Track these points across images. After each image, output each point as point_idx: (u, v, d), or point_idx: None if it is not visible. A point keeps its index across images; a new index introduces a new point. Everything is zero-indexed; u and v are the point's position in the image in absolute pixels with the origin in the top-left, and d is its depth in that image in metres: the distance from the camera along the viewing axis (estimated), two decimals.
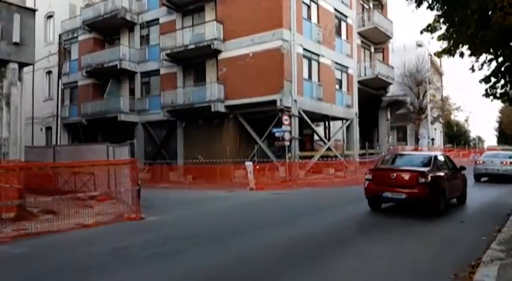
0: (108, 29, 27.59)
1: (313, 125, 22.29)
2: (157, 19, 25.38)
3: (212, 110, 21.06)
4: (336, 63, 24.39)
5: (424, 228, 8.19)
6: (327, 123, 23.95)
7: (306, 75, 21.87)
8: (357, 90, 26.55)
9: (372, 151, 27.25)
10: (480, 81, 9.82)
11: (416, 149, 37.14)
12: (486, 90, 10.09)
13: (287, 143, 19.22)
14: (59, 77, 25.26)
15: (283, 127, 19.13)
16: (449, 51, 9.58)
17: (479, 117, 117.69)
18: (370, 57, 28.66)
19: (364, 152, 25.37)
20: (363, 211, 10.12)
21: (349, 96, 25.81)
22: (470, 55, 9.64)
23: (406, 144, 43.16)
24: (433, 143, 42.25)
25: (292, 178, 18.98)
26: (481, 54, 9.57)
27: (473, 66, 9.77)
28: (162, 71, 25.02)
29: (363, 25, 27.44)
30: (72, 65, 29.21)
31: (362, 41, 27.89)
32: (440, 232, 7.85)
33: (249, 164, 17.69)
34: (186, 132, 24.00)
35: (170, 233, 8.25)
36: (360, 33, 27.22)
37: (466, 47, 9.58)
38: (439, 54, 9.91)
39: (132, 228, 9.18)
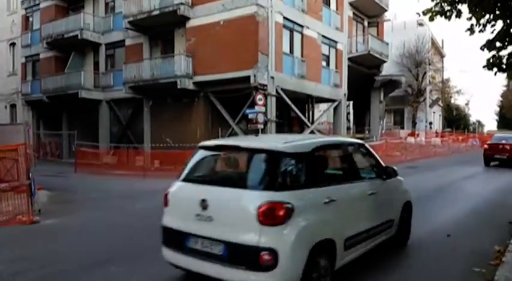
0: None
1: (293, 106, 19.68)
2: None
3: (178, 87, 18.44)
4: (323, 36, 21.61)
5: None
6: (310, 104, 21.29)
7: (286, 48, 19.14)
8: (346, 68, 23.85)
9: (360, 135, 24.75)
10: (482, 48, 7.25)
11: (413, 134, 34.88)
12: (489, 60, 7.51)
13: (260, 126, 16.66)
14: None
15: (257, 108, 16.56)
16: (443, 11, 6.99)
17: (479, 101, 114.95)
18: (363, 32, 25.84)
19: (351, 137, 22.86)
20: None
21: (337, 74, 23.13)
22: (470, 17, 7.09)
23: (403, 128, 40.85)
24: (431, 127, 39.95)
25: None
26: (483, 16, 7.01)
27: (472, 27, 7.19)
28: (127, 42, 22.26)
29: None
30: (34, 36, 26.39)
31: (354, 13, 25.02)
32: None
33: None
34: (154, 112, 21.42)
35: (43, 251, 5.86)
36: (351, 4, 24.34)
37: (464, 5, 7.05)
38: (431, 16, 7.24)
39: (8, 236, 6.79)
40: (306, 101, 21.37)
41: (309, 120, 20.95)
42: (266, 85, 17.52)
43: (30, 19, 27.18)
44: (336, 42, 22.79)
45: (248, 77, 17.13)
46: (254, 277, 3.59)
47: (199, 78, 18.78)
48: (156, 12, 19.24)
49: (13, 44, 29.02)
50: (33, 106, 26.94)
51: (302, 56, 20.03)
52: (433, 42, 44.89)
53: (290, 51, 19.47)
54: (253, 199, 3.73)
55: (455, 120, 55.41)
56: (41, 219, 7.79)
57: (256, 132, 16.86)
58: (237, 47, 17.52)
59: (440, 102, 48.95)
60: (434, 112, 47.16)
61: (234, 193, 3.95)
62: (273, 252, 3.52)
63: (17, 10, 28.38)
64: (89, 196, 10.83)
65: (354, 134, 23.96)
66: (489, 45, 7.03)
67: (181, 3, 18.53)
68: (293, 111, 20.71)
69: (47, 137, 27.25)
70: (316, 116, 23.70)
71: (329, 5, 22.44)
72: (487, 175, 15.66)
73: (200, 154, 4.65)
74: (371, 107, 28.08)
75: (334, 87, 22.81)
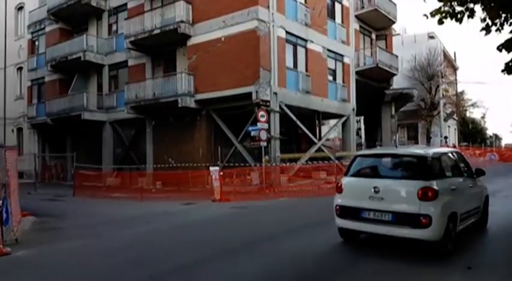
0: (75, 18, 24.69)
1: (299, 122, 18.96)
2: (125, 4, 22.38)
3: (180, 105, 17.96)
4: (329, 50, 21.03)
5: None
6: (316, 120, 20.54)
7: (289, 63, 18.57)
8: (354, 83, 23.13)
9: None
10: (499, 48, 6.50)
11: None
12: (508, 63, 6.75)
13: (263, 144, 16.02)
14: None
15: (259, 125, 15.93)
16: (453, 13, 6.32)
17: (496, 114, 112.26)
18: (371, 45, 25.19)
19: None
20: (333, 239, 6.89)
21: (345, 89, 22.41)
22: (485, 18, 6.40)
23: (417, 142, 39.69)
24: (446, 142, 38.70)
25: (270, 185, 15.77)
26: (499, 16, 6.31)
27: (488, 26, 6.46)
28: (130, 63, 22.02)
29: (362, 7, 23.99)
30: (39, 60, 26.42)
31: (361, 26, 24.43)
32: None
33: (213, 169, 14.50)
34: (156, 132, 20.95)
35: None
36: (358, 17, 23.78)
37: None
38: (440, 18, 6.55)
39: None
40: (313, 117, 20.61)
41: (315, 136, 20.16)
42: (269, 101, 16.90)
43: (36, 43, 27.32)
44: (342, 55, 22.17)
45: (250, 94, 16.56)
46: (417, 232, 5.67)
47: (200, 96, 18.28)
48: (157, 31, 18.95)
49: (20, 69, 29.18)
50: (39, 129, 26.78)
51: (307, 70, 19.42)
52: (445, 55, 44.09)
53: (294, 66, 18.89)
54: (414, 185, 5.82)
55: (472, 134, 53.82)
56: (13, 250, 7.12)
57: (258, 150, 16.31)
58: (238, 63, 17.04)
59: (455, 116, 47.70)
60: (449, 126, 45.94)
61: (399, 182, 6.22)
62: (428, 217, 5.59)
63: (24, 35, 28.60)
64: (76, 223, 10.18)
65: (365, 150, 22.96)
66: (508, 44, 6.28)
67: (182, 21, 18.21)
68: (300, 128, 20.02)
69: (53, 160, 26.97)
70: (325, 132, 23.06)
71: (334, 19, 21.91)
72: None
73: (359, 160, 6.93)
74: (382, 122, 27.13)
75: (342, 102, 22.06)
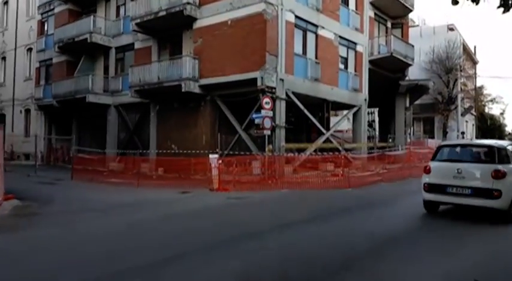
0: None
1: (306, 111, 18.25)
2: None
3: (183, 90, 17.40)
4: (341, 37, 20.17)
5: None
6: (325, 110, 19.74)
7: (298, 49, 17.82)
8: (367, 72, 22.24)
9: (382, 144, 22.99)
10: None
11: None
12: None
13: (267, 132, 15.39)
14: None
15: (263, 112, 15.30)
16: None
17: None
18: (386, 33, 24.16)
19: (372, 146, 21.26)
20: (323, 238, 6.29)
21: (357, 78, 21.55)
22: None
23: (433, 137, 38.63)
24: (463, 137, 37.55)
25: (272, 175, 15.18)
26: None
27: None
28: (136, 45, 21.54)
29: None
30: (48, 41, 26.17)
31: (376, 14, 23.43)
32: None
33: (212, 157, 13.98)
34: (160, 117, 20.50)
35: None
36: (372, 4, 22.77)
37: None
38: None
39: None
40: (323, 106, 19.85)
41: (323, 126, 19.42)
42: (274, 88, 16.23)
43: (46, 24, 27.03)
44: (355, 43, 21.28)
45: (255, 80, 15.90)
46: (490, 202, 7.60)
47: (205, 81, 17.71)
48: (163, 13, 18.34)
49: (30, 50, 29.02)
50: (46, 111, 26.64)
51: (316, 57, 18.65)
52: (465, 48, 42.63)
53: (303, 53, 18.14)
54: (488, 167, 7.77)
55: (490, 130, 52.21)
56: None
57: (262, 138, 15.70)
58: (244, 48, 16.39)
59: (473, 111, 46.28)
60: (467, 121, 44.61)
61: (477, 165, 8.18)
62: (499, 191, 7.51)
63: (35, 16, 28.34)
64: (61, 209, 9.76)
65: (375, 143, 22.19)
66: None
67: (188, 3, 17.57)
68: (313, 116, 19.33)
69: (59, 142, 26.82)
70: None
71: (347, 4, 21.00)
72: None
73: (443, 149, 8.98)
74: (396, 114, 26.17)
75: (353, 91, 21.24)
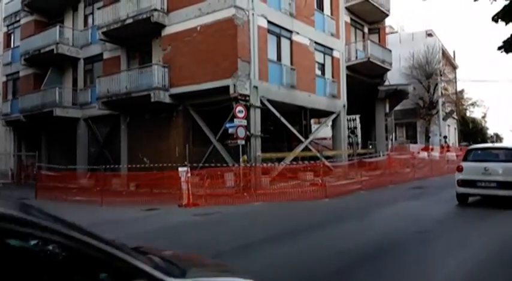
0: (50, 9, 23.35)
1: (283, 119, 17.57)
2: None
3: (152, 100, 16.56)
4: (316, 43, 19.65)
5: None
6: (303, 117, 19.06)
7: (272, 55, 17.20)
8: (345, 78, 21.76)
9: (362, 151, 22.42)
10: (494, 19, 5.11)
11: (426, 148, 32.54)
12: (506, 41, 5.36)
13: (241, 142, 14.62)
14: None
15: (236, 121, 14.54)
16: None
17: (497, 114, 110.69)
18: (363, 38, 23.78)
19: (351, 153, 20.65)
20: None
21: (334, 84, 21.02)
22: None
23: (416, 142, 38.45)
24: (446, 141, 37.46)
25: (247, 187, 14.36)
26: None
27: None
28: (105, 56, 20.63)
29: None
30: (14, 53, 25.03)
31: (352, 19, 23.05)
32: None
33: (182, 170, 13.11)
34: (131, 130, 19.56)
35: None
36: (348, 9, 22.41)
37: None
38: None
39: None
40: (299, 114, 19.19)
41: (302, 134, 18.74)
42: (248, 96, 15.53)
43: (12, 36, 25.93)
44: (331, 49, 20.79)
45: (228, 87, 15.18)
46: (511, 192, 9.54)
47: (176, 90, 16.91)
48: (130, 21, 17.54)
49: None
50: (14, 127, 25.42)
51: (292, 64, 18.05)
52: (444, 53, 42.92)
53: (277, 59, 17.53)
54: (510, 165, 9.85)
55: (472, 133, 52.44)
56: None
57: (237, 149, 14.91)
58: (215, 55, 15.69)
59: (454, 115, 46.41)
60: (449, 125, 44.68)
61: (500, 164, 10.05)
62: None
63: (1, 28, 27.22)
64: None
65: (355, 150, 21.59)
66: (505, 14, 4.90)
67: (155, 10, 16.82)
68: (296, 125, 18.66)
69: (29, 159, 25.56)
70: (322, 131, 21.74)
71: (322, 10, 20.53)
72: None
73: (473, 151, 11.15)
74: (376, 120, 25.73)
75: (332, 98, 20.69)
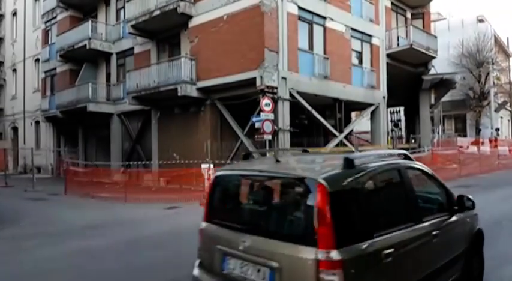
0: (84, 4, 23.50)
1: (314, 112, 16.53)
2: None
3: (179, 94, 16.05)
4: (353, 29, 18.35)
5: None
6: (337, 110, 17.87)
7: (303, 44, 16.15)
8: (385, 67, 20.29)
9: (404, 146, 20.92)
10: None
11: (477, 142, 30.30)
12: None
13: (268, 137, 13.79)
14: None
15: (262, 115, 13.71)
16: None
17: None
18: (406, 25, 22.10)
19: (391, 148, 19.21)
20: None
21: (373, 74, 19.63)
22: None
23: (466, 135, 36.06)
24: (498, 134, 34.83)
25: None
26: None
27: None
28: (136, 50, 20.42)
29: None
30: (51, 50, 25.46)
31: (393, 3, 21.43)
32: None
33: (205, 166, 12.49)
34: (161, 125, 19.25)
35: None
36: None
37: None
38: None
39: None
40: (334, 107, 18.04)
41: (337, 128, 17.61)
42: (276, 88, 14.63)
43: (49, 33, 26.41)
44: (370, 36, 19.40)
45: (255, 79, 14.36)
46: None
47: (203, 83, 16.30)
48: (157, 13, 17.10)
49: (37, 60, 28.51)
50: (53, 122, 25.96)
51: (325, 52, 16.91)
52: (497, 40, 39.90)
53: (309, 48, 16.46)
54: None
55: None
56: None
57: (263, 144, 14.11)
58: (241, 45, 14.90)
59: (508, 106, 43.19)
60: (501, 117, 41.68)
61: None
62: None
63: (40, 25, 27.84)
64: (15, 232, 8.54)
65: (396, 144, 20.15)
66: None
67: (182, 0, 16.25)
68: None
69: (68, 154, 26.07)
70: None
71: None
72: None
73: None
74: (420, 112, 24.01)
75: (370, 89, 19.33)
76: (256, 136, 14.31)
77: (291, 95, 15.25)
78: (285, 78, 14.93)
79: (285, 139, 14.81)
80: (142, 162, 18.75)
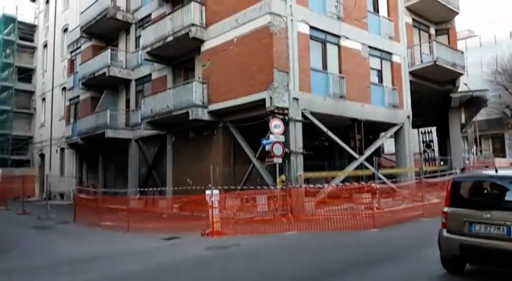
0: (106, 33, 24.04)
1: (330, 133, 15.74)
2: (150, 14, 21.04)
3: (190, 118, 15.74)
4: (371, 47, 17.63)
5: None
6: (356, 130, 16.99)
7: (316, 64, 15.55)
8: (408, 85, 19.33)
9: (431, 168, 19.61)
10: None
11: None
12: None
13: (278, 160, 13.12)
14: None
15: (272, 137, 13.11)
16: None
17: None
18: (430, 40, 21.12)
19: (424, 171, 17.99)
20: None
21: (395, 92, 18.70)
22: None
23: (505, 156, 34.02)
24: None
25: (286, 212, 12.74)
26: None
27: None
28: (153, 76, 20.51)
29: None
30: (75, 78, 26.10)
31: (414, 19, 20.58)
32: None
33: (209, 193, 11.89)
34: (176, 149, 18.99)
35: None
36: (409, 9, 20.03)
37: None
38: None
39: None
40: (352, 127, 17.18)
41: (356, 150, 16.70)
42: (287, 109, 14.03)
43: (74, 62, 27.15)
44: (390, 53, 18.61)
45: (261, 100, 13.85)
46: None
47: (214, 106, 15.95)
48: (170, 39, 17.08)
49: (64, 89, 29.32)
50: (76, 149, 26.36)
51: (340, 71, 16.23)
52: None
53: (323, 67, 15.85)
54: None
55: None
56: None
57: (274, 167, 13.43)
58: (250, 66, 14.53)
59: None
60: None
61: None
62: None
63: (67, 56, 28.74)
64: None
65: (422, 167, 18.92)
66: None
67: (193, 25, 16.16)
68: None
69: (90, 180, 26.27)
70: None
71: (377, 11, 18.52)
72: None
73: None
74: (450, 132, 22.64)
75: (392, 108, 18.39)
76: (266, 159, 13.69)
77: (303, 115, 14.60)
78: (296, 99, 14.34)
79: (297, 162, 14.07)
80: (157, 188, 18.34)
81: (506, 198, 5.72)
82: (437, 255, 6.35)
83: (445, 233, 6.04)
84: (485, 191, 6.42)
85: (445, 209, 6.16)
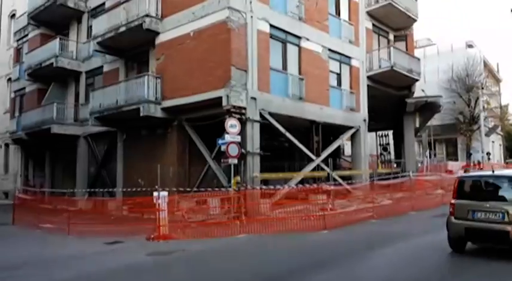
0: (55, 21, 22.45)
1: (288, 134, 15.42)
2: (104, 3, 19.86)
3: (141, 114, 14.91)
4: (331, 50, 17.51)
5: None
6: (313, 132, 16.78)
7: (276, 64, 15.19)
8: (365, 89, 19.40)
9: (384, 170, 19.79)
10: None
11: (467, 165, 29.42)
12: None
13: (233, 161, 12.61)
14: None
15: (228, 137, 12.58)
16: None
17: None
18: (388, 46, 21.32)
19: (378, 173, 18.06)
20: None
21: (353, 96, 18.69)
22: None
23: (457, 159, 35.41)
24: (489, 158, 34.11)
25: (239, 214, 12.24)
26: None
27: None
28: (105, 68, 19.39)
29: (377, 1, 20.31)
30: (21, 69, 24.27)
31: (374, 25, 20.72)
32: None
33: (156, 195, 11.18)
34: (127, 148, 18.03)
35: None
36: (370, 14, 20.13)
37: None
38: None
39: None
40: (310, 129, 16.95)
41: (313, 152, 16.48)
42: (244, 108, 13.55)
43: (21, 51, 25.39)
44: (349, 57, 18.56)
45: (218, 98, 13.29)
46: None
47: (168, 103, 15.20)
48: (123, 29, 16.14)
49: (10, 80, 27.40)
50: (22, 145, 24.61)
51: (300, 73, 15.97)
52: (486, 65, 39.80)
53: (283, 67, 15.52)
54: None
55: None
56: None
57: (229, 168, 12.91)
58: (207, 62, 13.91)
59: (499, 130, 42.69)
60: (493, 141, 41.19)
61: None
62: None
63: (14, 44, 26.87)
64: None
65: (375, 169, 19.04)
66: None
67: (147, 15, 15.32)
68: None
69: (37, 178, 24.63)
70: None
71: (338, 14, 18.43)
72: None
73: None
74: (404, 136, 23.04)
75: (349, 111, 18.35)
76: (222, 160, 13.15)
77: (261, 116, 14.17)
78: (254, 99, 13.89)
79: (254, 163, 13.63)
80: (106, 189, 17.33)
81: (501, 192, 7.20)
82: (380, 258, 6.97)
83: (453, 220, 7.40)
84: (483, 186, 7.72)
85: (453, 201, 7.55)
